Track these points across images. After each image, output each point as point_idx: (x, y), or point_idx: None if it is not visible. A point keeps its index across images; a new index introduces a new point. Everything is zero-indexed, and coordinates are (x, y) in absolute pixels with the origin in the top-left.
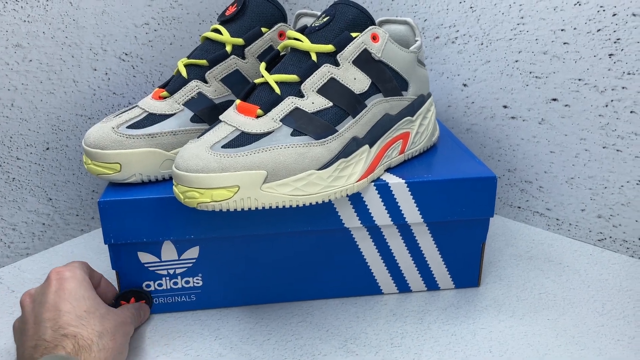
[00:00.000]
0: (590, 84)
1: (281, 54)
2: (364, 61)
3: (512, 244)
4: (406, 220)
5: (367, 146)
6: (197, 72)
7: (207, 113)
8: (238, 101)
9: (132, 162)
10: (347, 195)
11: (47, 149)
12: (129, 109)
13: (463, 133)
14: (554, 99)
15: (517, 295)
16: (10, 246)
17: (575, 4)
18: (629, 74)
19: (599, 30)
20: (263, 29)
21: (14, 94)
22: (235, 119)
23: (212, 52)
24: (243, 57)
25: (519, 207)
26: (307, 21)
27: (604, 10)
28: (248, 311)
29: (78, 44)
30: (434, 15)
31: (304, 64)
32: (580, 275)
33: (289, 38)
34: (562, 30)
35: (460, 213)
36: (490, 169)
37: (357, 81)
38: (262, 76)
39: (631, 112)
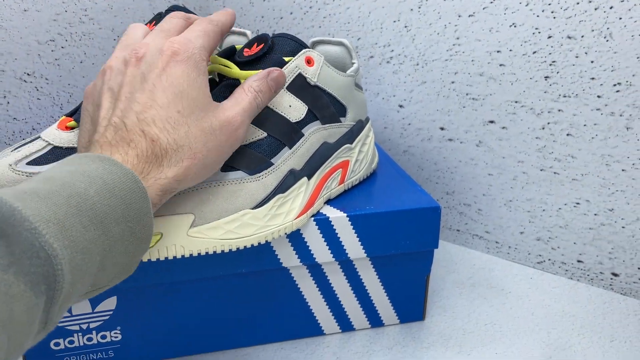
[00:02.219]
0: (527, 106)
1: (209, 77)
2: (299, 87)
3: (454, 269)
4: (348, 255)
5: (305, 179)
6: None
7: None
8: None
9: None
10: (286, 234)
11: None
12: (30, 141)
13: (400, 155)
14: (491, 121)
15: (462, 327)
16: None
17: (510, 26)
18: (565, 96)
19: (534, 52)
20: None
21: None
22: None
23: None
24: None
25: (458, 230)
26: (236, 40)
27: (539, 32)
28: None
29: None
30: (367, 34)
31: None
32: (523, 301)
33: (216, 63)
34: (498, 51)
35: (404, 246)
36: (430, 194)
37: (293, 109)
38: None
39: (567, 134)
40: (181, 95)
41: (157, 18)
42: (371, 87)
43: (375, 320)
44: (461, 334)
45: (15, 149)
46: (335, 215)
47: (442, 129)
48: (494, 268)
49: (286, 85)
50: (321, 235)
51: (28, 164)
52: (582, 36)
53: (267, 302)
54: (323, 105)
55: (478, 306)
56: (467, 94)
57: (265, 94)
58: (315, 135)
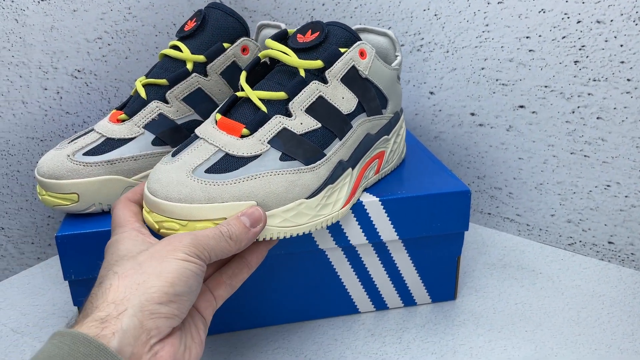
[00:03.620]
0: (557, 90)
1: (261, 61)
2: (352, 79)
3: (485, 252)
4: (381, 238)
5: (350, 169)
6: (156, 92)
7: (169, 135)
8: (218, 115)
9: (91, 192)
10: (333, 223)
11: None
12: (85, 134)
13: (431, 141)
14: (521, 106)
15: (493, 307)
16: None
17: (539, 12)
18: (595, 80)
19: (564, 37)
20: (225, 45)
21: None
22: (217, 138)
23: (172, 70)
24: (205, 75)
25: (489, 214)
26: (270, 33)
27: (568, 18)
28: (221, 339)
29: (26, 62)
30: (398, 23)
31: (292, 81)
32: (553, 282)
33: (273, 49)
34: (527, 37)
35: (435, 228)
36: (461, 179)
37: (345, 100)
38: (243, 89)
39: (597, 118)
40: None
41: (197, 15)
42: (402, 75)
43: (408, 300)
44: (492, 313)
45: (71, 141)
46: (369, 200)
47: (472, 114)
48: (525, 250)
49: (341, 76)
50: (355, 218)
51: (84, 154)
52: (612, 20)
53: (306, 282)
54: (371, 97)
55: (509, 286)
56: (497, 80)
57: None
58: (361, 127)
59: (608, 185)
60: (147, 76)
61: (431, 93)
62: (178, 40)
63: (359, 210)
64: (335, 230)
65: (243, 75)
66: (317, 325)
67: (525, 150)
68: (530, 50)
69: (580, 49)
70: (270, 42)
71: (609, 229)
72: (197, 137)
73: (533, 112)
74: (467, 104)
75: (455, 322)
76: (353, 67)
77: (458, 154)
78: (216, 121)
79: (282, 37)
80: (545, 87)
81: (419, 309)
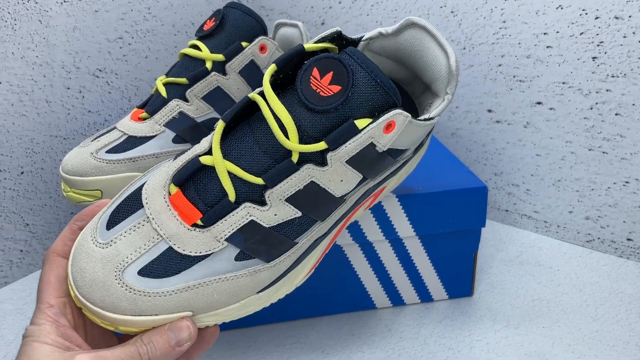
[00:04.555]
0: (575, 87)
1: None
2: (363, 158)
3: (502, 248)
4: (398, 234)
5: (324, 237)
6: (177, 91)
7: (189, 133)
8: (173, 188)
9: (114, 188)
10: (289, 293)
11: (22, 173)
12: (108, 132)
13: (448, 138)
14: (539, 103)
15: (510, 303)
16: None
17: (557, 8)
18: (613, 76)
19: (581, 33)
20: (243, 43)
21: None
22: (164, 223)
23: (191, 69)
24: (224, 74)
25: (507, 210)
26: (287, 31)
27: (586, 14)
28: (239, 334)
29: (49, 62)
30: None
31: (279, 163)
32: (571, 278)
33: (262, 94)
34: (544, 33)
35: (452, 225)
36: (478, 175)
37: (344, 183)
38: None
39: (616, 114)
40: None
41: (216, 14)
42: None
43: (424, 295)
44: (509, 309)
45: (94, 139)
46: (386, 196)
47: (489, 111)
48: (543, 247)
49: (347, 158)
50: (372, 215)
51: (107, 152)
52: (630, 16)
53: (323, 277)
54: (383, 167)
55: (526, 283)
56: (514, 76)
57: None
58: (357, 193)
59: (627, 182)
60: (167, 75)
61: None
62: (197, 39)
63: (376, 207)
64: (353, 226)
65: (220, 126)
66: (334, 321)
67: (543, 146)
68: (547, 47)
69: (598, 45)
70: (266, 89)
71: (628, 226)
72: (140, 200)
73: (551, 109)
74: (484, 100)
75: (472, 318)
76: (371, 144)
77: (475, 150)
78: (169, 193)
79: (287, 62)
80: (563, 83)
81: (435, 305)
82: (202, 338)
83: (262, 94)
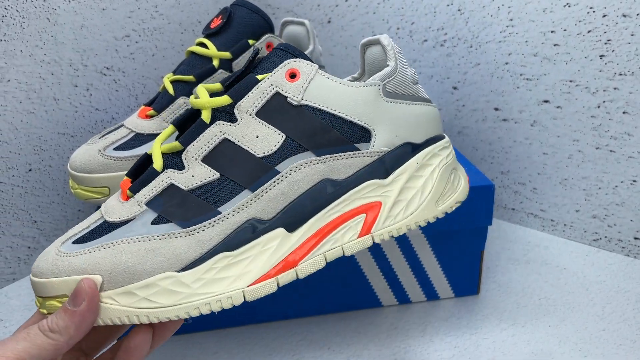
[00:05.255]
0: (582, 85)
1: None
2: (274, 110)
3: (509, 247)
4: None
5: (281, 231)
6: (184, 88)
7: None
8: (125, 178)
9: None
10: (234, 305)
11: (30, 170)
12: (115, 129)
13: (455, 136)
14: (546, 101)
15: (517, 301)
16: None
17: (564, 6)
18: (621, 74)
19: (589, 31)
20: (250, 41)
21: None
22: (106, 203)
23: (198, 67)
24: (231, 71)
25: (513, 209)
26: (294, 29)
27: (593, 12)
28: (246, 331)
29: (57, 60)
30: (421, 18)
31: (192, 125)
32: (578, 277)
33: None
34: (552, 32)
35: (458, 223)
36: (485, 174)
37: (261, 140)
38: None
39: (623, 112)
40: None
41: (223, 12)
42: (425, 70)
43: (431, 294)
44: (515, 308)
45: (102, 136)
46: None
47: (496, 109)
48: (549, 245)
49: (255, 110)
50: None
51: (115, 149)
52: (638, 14)
53: (329, 276)
54: (315, 130)
55: (532, 282)
56: (521, 75)
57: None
58: (302, 171)
59: (634, 181)
60: (174, 73)
61: (454, 88)
62: (204, 37)
63: None
64: None
65: (169, 128)
66: (340, 318)
67: (550, 145)
68: (555, 45)
69: (605, 43)
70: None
71: (635, 225)
72: None
73: (558, 107)
74: (491, 98)
75: (478, 316)
76: (277, 94)
77: (482, 149)
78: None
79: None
80: (570, 81)
81: (442, 303)
82: (130, 344)
83: None
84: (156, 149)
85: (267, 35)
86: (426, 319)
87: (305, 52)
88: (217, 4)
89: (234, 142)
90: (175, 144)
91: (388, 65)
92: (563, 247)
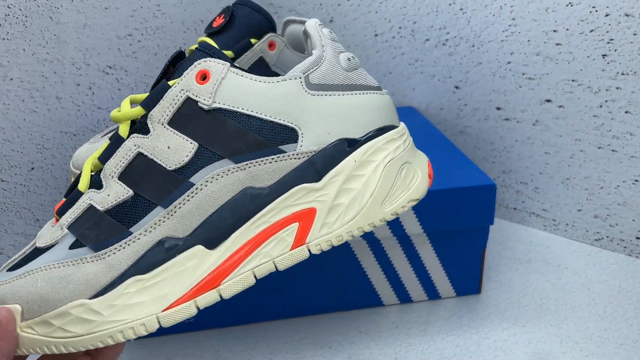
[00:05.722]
0: (584, 84)
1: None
2: (186, 117)
3: (510, 246)
4: (406, 231)
5: (199, 248)
6: None
7: None
8: (62, 199)
9: None
10: (147, 332)
11: (32, 169)
12: (117, 128)
13: (456, 135)
14: (548, 100)
15: (518, 301)
16: None
17: (567, 5)
18: (623, 74)
19: (591, 30)
20: (252, 40)
21: None
22: (43, 227)
23: None
24: None
25: (515, 209)
26: (296, 28)
27: (596, 11)
28: (247, 330)
29: (60, 59)
30: (423, 17)
31: (112, 139)
32: (579, 277)
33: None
34: (554, 31)
35: (460, 222)
36: (486, 173)
37: (172, 151)
38: None
39: (626, 112)
40: None
41: (225, 11)
42: (427, 69)
43: (432, 293)
44: (516, 307)
45: (104, 135)
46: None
47: (498, 108)
48: (551, 245)
49: (167, 120)
50: None
51: None
52: None
53: (330, 274)
54: (230, 135)
55: (534, 281)
56: (523, 74)
57: None
58: (219, 181)
59: (636, 180)
60: None
61: (456, 87)
62: (207, 36)
63: None
64: None
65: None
66: (341, 317)
67: (552, 144)
68: (557, 44)
69: (608, 43)
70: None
71: (637, 224)
72: None
73: (560, 107)
74: (493, 98)
75: (479, 315)
76: (188, 99)
77: (483, 148)
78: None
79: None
80: (573, 81)
81: (443, 303)
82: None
83: None
84: (86, 168)
85: (269, 34)
86: (427, 318)
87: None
88: (220, 3)
89: (147, 156)
90: (97, 162)
91: (312, 54)
92: (565, 246)
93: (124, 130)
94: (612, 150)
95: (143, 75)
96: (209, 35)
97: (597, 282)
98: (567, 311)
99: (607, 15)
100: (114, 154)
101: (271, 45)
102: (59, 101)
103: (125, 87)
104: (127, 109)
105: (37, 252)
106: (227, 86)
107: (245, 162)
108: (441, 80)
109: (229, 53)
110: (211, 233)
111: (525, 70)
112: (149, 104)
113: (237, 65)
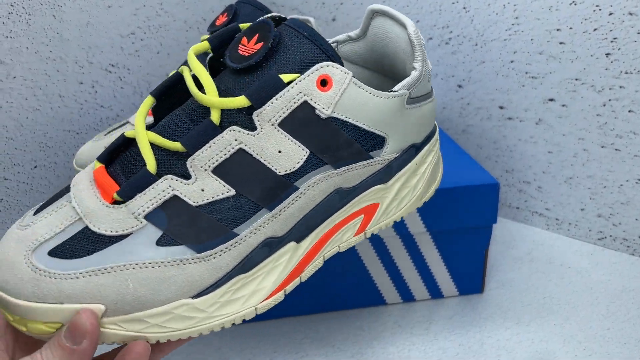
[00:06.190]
0: (588, 83)
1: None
2: (301, 122)
3: (513, 246)
4: (409, 230)
5: (292, 244)
6: None
7: None
8: (97, 163)
9: None
10: (245, 320)
11: (35, 167)
12: (120, 126)
13: (459, 134)
14: (551, 99)
15: (521, 300)
16: None
17: (570, 4)
18: (627, 73)
19: (595, 29)
20: None
21: None
22: (83, 200)
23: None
24: None
25: (518, 208)
26: None
27: (600, 10)
28: (250, 328)
29: (63, 57)
30: (426, 16)
31: (198, 126)
32: (582, 276)
33: (190, 67)
34: (557, 30)
35: (463, 221)
36: (489, 172)
37: (283, 155)
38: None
39: (629, 111)
40: None
41: (229, 10)
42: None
43: (435, 292)
44: (519, 306)
45: (107, 133)
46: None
47: (501, 107)
48: (554, 244)
49: (278, 120)
50: None
51: None
52: None
53: (332, 273)
54: (339, 145)
55: (537, 280)
56: (526, 73)
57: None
58: (320, 185)
59: (639, 180)
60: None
61: (459, 86)
62: (210, 34)
63: None
64: None
65: (147, 100)
66: (344, 316)
67: (555, 143)
68: (560, 43)
69: (612, 41)
70: (189, 57)
71: None
72: (69, 187)
73: (563, 105)
74: (496, 97)
75: (482, 314)
76: (305, 103)
77: (486, 147)
78: (93, 168)
79: (223, 42)
80: (576, 79)
81: (446, 301)
82: (127, 354)
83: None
84: (143, 138)
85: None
86: (430, 317)
87: None
88: (222, 1)
89: (251, 155)
90: (176, 145)
91: (414, 69)
92: (568, 246)
93: (216, 117)
94: (616, 150)
95: (146, 74)
96: (212, 33)
97: (600, 281)
98: (570, 310)
99: (610, 14)
100: (208, 144)
101: None
102: (61, 99)
103: (128, 86)
104: (215, 92)
105: (98, 238)
106: (347, 97)
107: (344, 168)
108: (444, 79)
109: None
110: (303, 230)
111: (529, 69)
112: (257, 98)
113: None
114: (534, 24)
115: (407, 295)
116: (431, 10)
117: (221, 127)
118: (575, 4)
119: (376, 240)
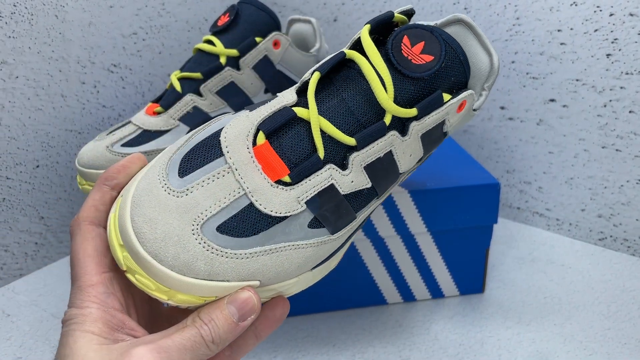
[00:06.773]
0: (588, 84)
1: (347, 57)
2: (432, 133)
3: (514, 246)
4: (410, 230)
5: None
6: (191, 86)
7: None
8: (261, 137)
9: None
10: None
11: (37, 166)
12: (122, 126)
13: (460, 135)
14: (552, 100)
15: (522, 300)
16: (2, 268)
17: (571, 5)
18: (627, 73)
19: (596, 30)
20: (257, 39)
21: (0, 112)
22: (248, 175)
23: (205, 64)
24: (238, 69)
25: (519, 208)
26: (300, 27)
27: (600, 11)
28: None
29: (65, 57)
30: (427, 16)
31: (372, 126)
32: (583, 276)
33: (367, 61)
34: (558, 30)
35: (464, 221)
36: (490, 172)
37: (412, 158)
38: (307, 104)
39: (630, 111)
40: None
41: (230, 10)
42: None
43: (435, 291)
44: (520, 306)
45: (109, 133)
46: (398, 191)
47: (502, 108)
48: (555, 245)
49: (422, 132)
50: (384, 210)
51: (122, 145)
52: None
53: (333, 273)
54: (429, 152)
55: (537, 280)
56: (527, 73)
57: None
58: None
59: None
60: (182, 70)
61: None
62: (212, 34)
63: (388, 202)
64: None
65: (315, 78)
66: (345, 316)
67: (556, 144)
68: (561, 44)
69: (612, 42)
70: (367, 44)
71: None
72: (219, 147)
73: (564, 106)
74: (497, 97)
75: (483, 314)
76: (443, 121)
77: (487, 147)
78: (255, 143)
79: (383, 26)
80: (577, 80)
81: (446, 301)
82: (272, 314)
83: (358, 51)
84: (316, 125)
85: (274, 33)
86: (431, 316)
87: (312, 51)
88: (224, 1)
89: (393, 156)
90: (352, 140)
91: (483, 95)
92: (568, 246)
93: (388, 120)
94: (616, 150)
95: (147, 74)
96: (214, 34)
97: (600, 281)
98: (570, 310)
99: (611, 14)
100: (374, 144)
101: (276, 43)
102: (64, 99)
103: (130, 85)
104: (391, 99)
105: (264, 218)
106: (458, 117)
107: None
108: None
109: (233, 51)
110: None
111: (530, 69)
112: (423, 112)
113: None
114: (535, 25)
115: (408, 295)
116: (432, 11)
117: (386, 130)
118: (576, 5)
119: (377, 240)
